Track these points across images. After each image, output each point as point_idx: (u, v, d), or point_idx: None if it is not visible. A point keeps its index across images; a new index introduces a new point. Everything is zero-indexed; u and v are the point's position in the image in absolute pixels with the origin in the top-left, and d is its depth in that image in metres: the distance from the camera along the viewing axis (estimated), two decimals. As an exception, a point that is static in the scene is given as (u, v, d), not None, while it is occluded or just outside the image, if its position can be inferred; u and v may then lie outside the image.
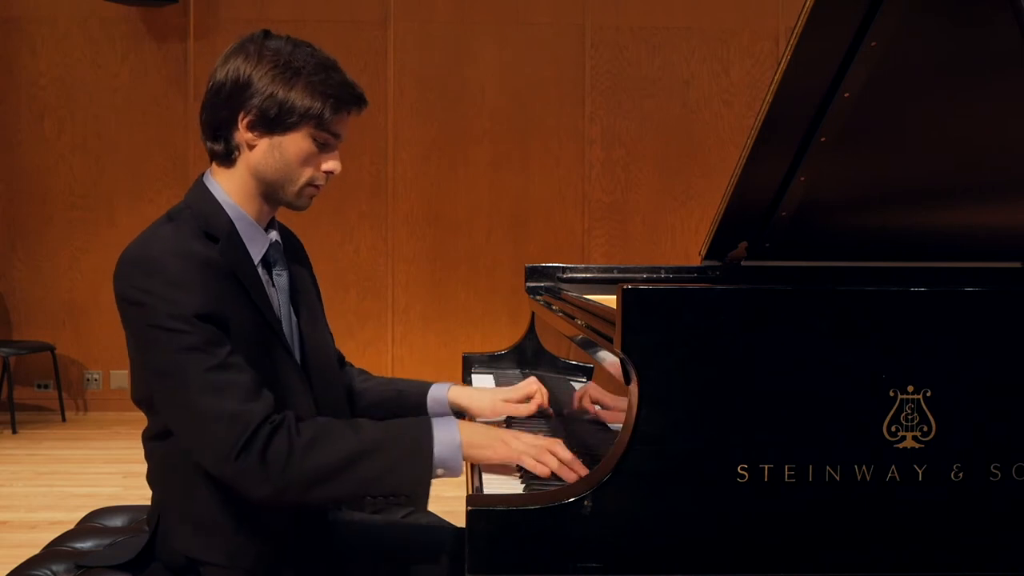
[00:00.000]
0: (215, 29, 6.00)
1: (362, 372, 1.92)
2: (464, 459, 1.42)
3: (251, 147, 1.51)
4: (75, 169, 6.02)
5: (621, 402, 1.38)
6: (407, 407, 1.82)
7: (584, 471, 1.37)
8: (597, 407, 1.57)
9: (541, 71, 6.09)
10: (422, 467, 1.40)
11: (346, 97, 1.52)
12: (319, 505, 1.57)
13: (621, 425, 1.25)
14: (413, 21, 6.05)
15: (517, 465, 1.46)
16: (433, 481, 1.46)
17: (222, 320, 1.43)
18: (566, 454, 1.40)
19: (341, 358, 1.86)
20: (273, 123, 1.49)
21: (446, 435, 1.42)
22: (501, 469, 1.47)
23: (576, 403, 1.71)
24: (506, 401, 1.80)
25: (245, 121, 1.50)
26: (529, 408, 1.79)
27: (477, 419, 1.80)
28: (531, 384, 1.82)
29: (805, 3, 1.38)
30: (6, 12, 5.98)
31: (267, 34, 1.54)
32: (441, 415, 1.72)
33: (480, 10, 6.06)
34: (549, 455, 1.39)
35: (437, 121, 6.08)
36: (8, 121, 6.00)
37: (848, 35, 1.44)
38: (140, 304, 1.42)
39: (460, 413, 1.82)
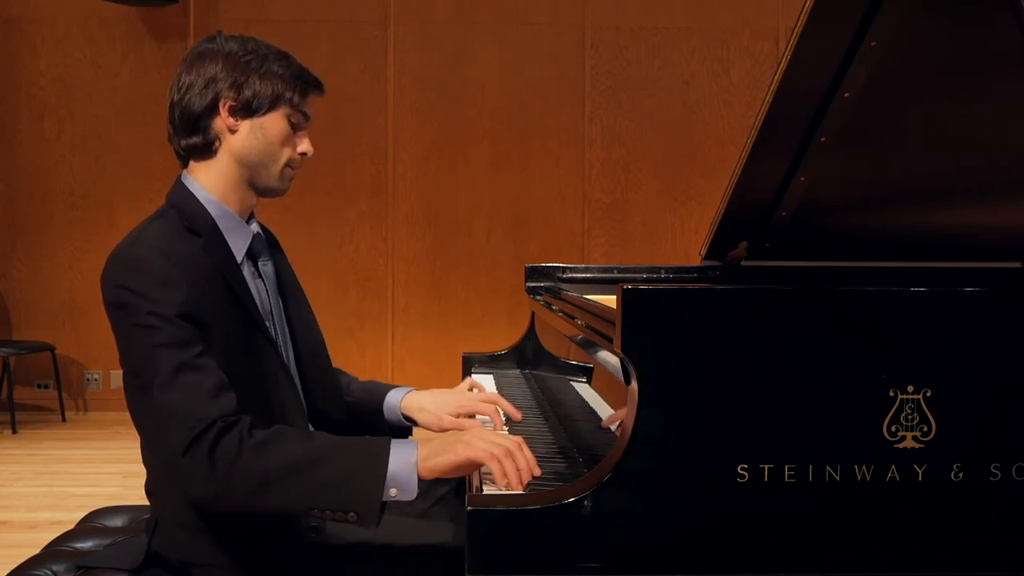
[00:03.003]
0: (215, 29, 5.99)
1: (349, 382, 1.88)
2: (427, 473, 1.37)
3: (233, 131, 1.56)
4: (75, 169, 6.02)
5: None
6: (364, 418, 1.81)
7: (538, 472, 1.35)
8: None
9: (541, 71, 6.09)
10: (374, 482, 1.34)
11: (309, 79, 1.62)
12: (270, 517, 1.48)
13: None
14: (413, 21, 6.05)
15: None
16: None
17: (203, 320, 1.44)
18: (529, 454, 1.37)
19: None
20: (253, 105, 1.56)
21: (402, 454, 1.36)
22: None
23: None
24: (453, 416, 1.76)
25: (227, 107, 1.55)
26: (472, 421, 1.75)
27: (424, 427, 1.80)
28: (477, 401, 1.79)
29: (805, 3, 1.38)
30: (6, 12, 5.98)
31: (220, 35, 1.62)
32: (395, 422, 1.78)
33: (480, 10, 6.05)
34: (510, 459, 1.34)
35: (437, 121, 6.08)
36: (8, 121, 6.00)
37: (848, 35, 1.44)
38: (125, 305, 1.43)
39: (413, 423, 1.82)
